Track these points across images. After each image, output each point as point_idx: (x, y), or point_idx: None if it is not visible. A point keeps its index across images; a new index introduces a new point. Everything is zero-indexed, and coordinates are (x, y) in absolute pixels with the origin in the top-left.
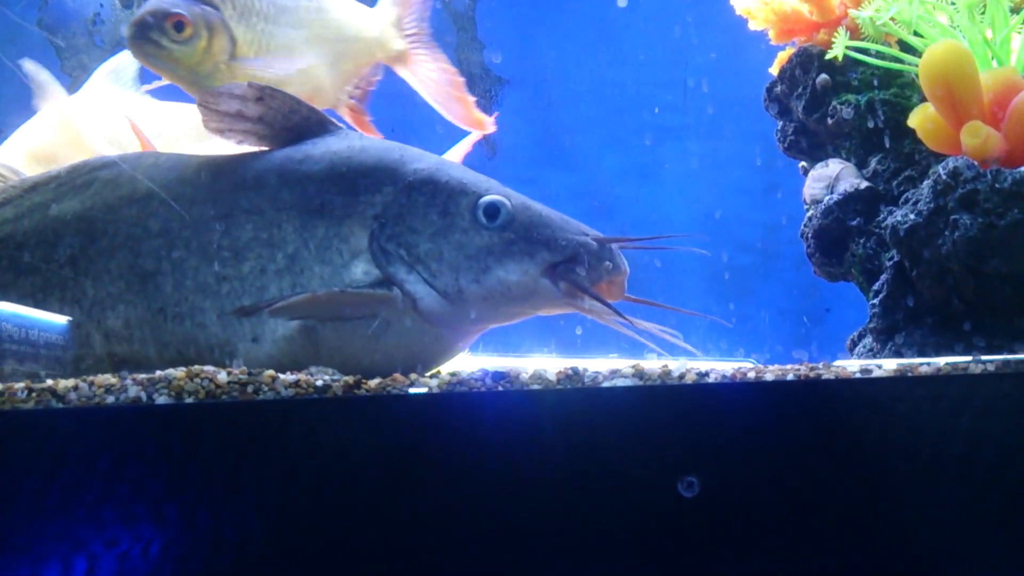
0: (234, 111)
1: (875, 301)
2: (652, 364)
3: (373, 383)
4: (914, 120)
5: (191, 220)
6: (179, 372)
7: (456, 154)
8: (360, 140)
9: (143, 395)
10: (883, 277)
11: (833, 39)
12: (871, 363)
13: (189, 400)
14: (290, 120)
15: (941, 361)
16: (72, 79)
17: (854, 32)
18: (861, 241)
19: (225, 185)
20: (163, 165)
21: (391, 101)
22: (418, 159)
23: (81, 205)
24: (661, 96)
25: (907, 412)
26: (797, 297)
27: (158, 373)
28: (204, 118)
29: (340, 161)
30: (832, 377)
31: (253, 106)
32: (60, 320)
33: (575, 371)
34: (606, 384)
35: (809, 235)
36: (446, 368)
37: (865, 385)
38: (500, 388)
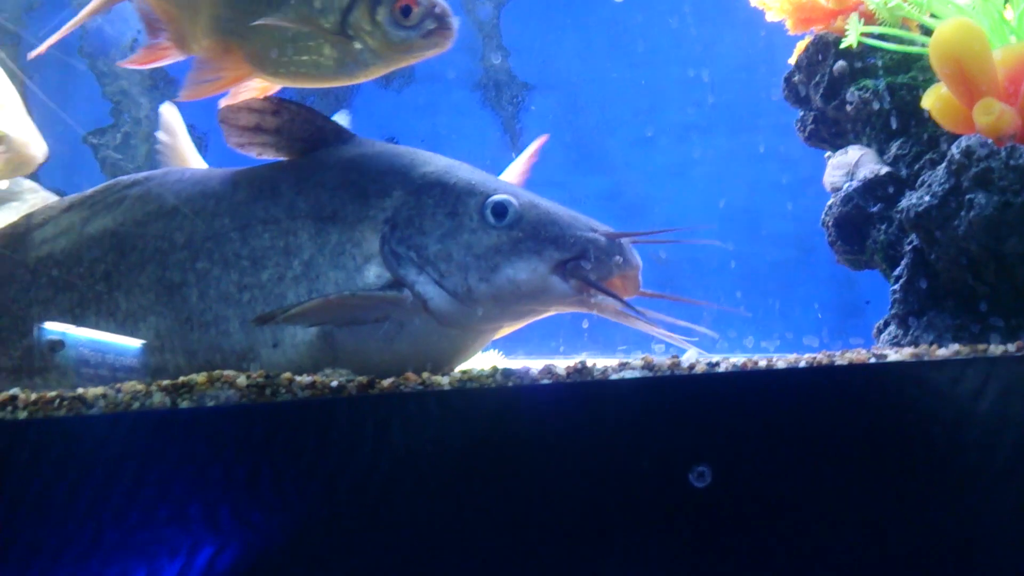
0: (252, 125)
1: (896, 287)
2: (660, 358)
3: (386, 382)
4: (927, 100)
5: (213, 232)
6: (200, 377)
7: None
8: (372, 147)
9: (167, 400)
10: (903, 262)
11: (847, 26)
12: (883, 351)
13: (211, 404)
14: (305, 130)
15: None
16: (114, 103)
17: (870, 18)
18: (882, 227)
19: (244, 197)
20: (187, 180)
21: (419, 113)
22: (427, 163)
23: (113, 222)
24: (688, 94)
25: (923, 396)
26: (835, 291)
27: (181, 379)
28: (225, 134)
29: (351, 168)
30: (845, 363)
31: (270, 119)
32: (134, 343)
33: (583, 365)
34: (615, 377)
35: (830, 223)
36: (459, 367)
37: (880, 370)
38: (510, 384)
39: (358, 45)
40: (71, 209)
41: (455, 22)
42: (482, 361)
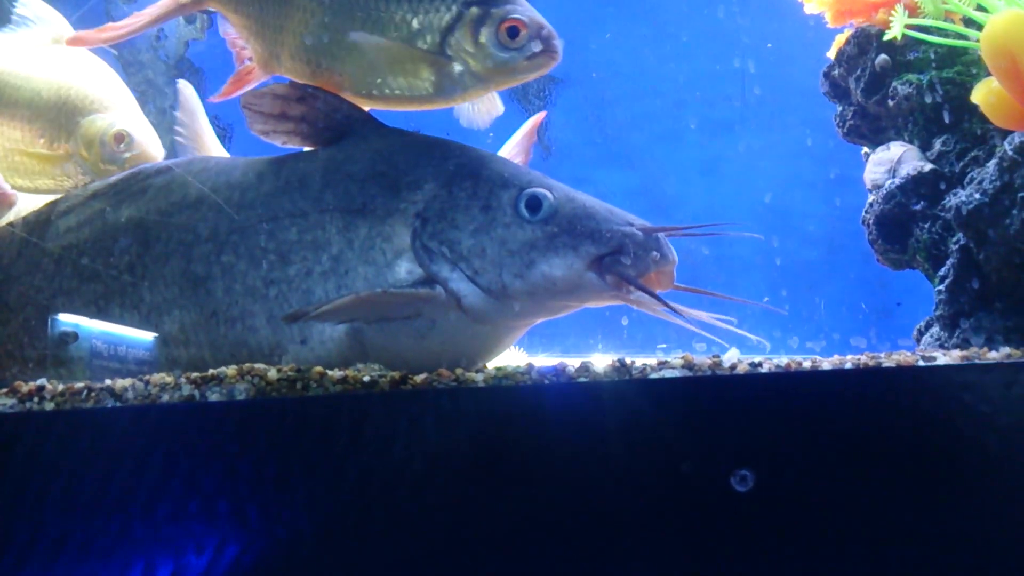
0: (277, 112)
1: (941, 287)
2: (701, 357)
3: (419, 378)
4: (977, 95)
5: (238, 224)
6: (230, 370)
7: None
8: (401, 137)
9: (196, 393)
10: (949, 262)
11: (892, 18)
12: (932, 353)
13: (240, 397)
14: (332, 119)
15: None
16: (139, 93)
17: (913, 10)
18: (925, 226)
19: (270, 188)
20: (212, 170)
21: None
22: (459, 154)
23: (137, 212)
24: (718, 88)
25: (973, 400)
26: (866, 291)
27: (211, 371)
28: (249, 120)
29: (381, 159)
30: (893, 365)
31: (296, 106)
32: (146, 336)
33: (622, 363)
34: (654, 376)
35: (870, 221)
36: (492, 363)
37: (928, 374)
38: (547, 382)
39: (458, 67)
40: (95, 197)
41: (560, 44)
42: (503, 358)
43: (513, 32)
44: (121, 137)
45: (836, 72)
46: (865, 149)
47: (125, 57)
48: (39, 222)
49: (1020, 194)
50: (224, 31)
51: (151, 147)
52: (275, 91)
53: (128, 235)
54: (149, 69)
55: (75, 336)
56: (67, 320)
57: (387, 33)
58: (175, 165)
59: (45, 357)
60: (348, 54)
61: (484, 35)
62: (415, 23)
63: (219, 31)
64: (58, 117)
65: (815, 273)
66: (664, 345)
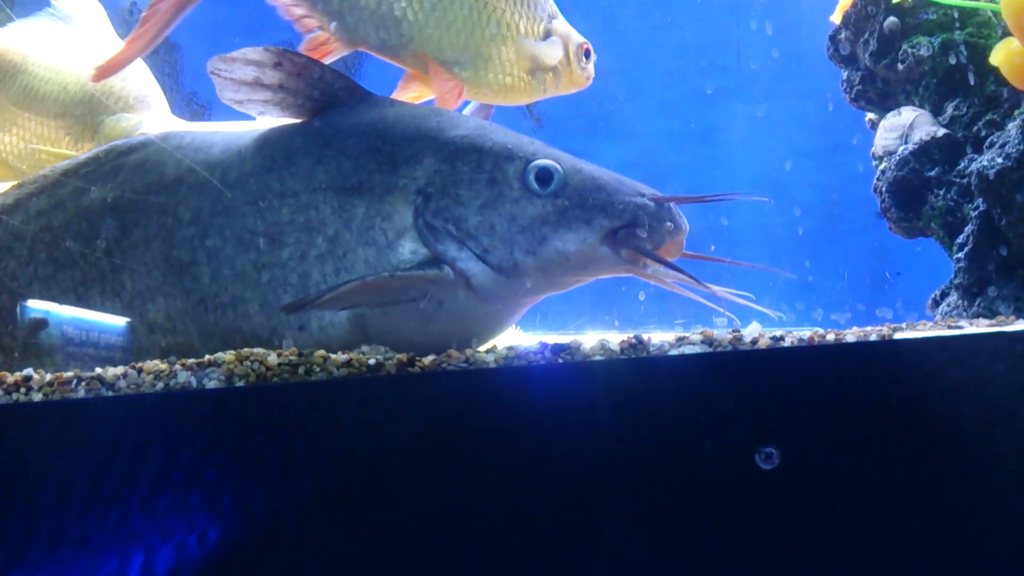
0: (251, 79)
1: (960, 255)
2: (722, 331)
3: (427, 360)
4: (997, 57)
5: (223, 206)
6: (228, 355)
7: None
8: (392, 107)
9: (192, 380)
10: (968, 229)
11: None
12: (956, 322)
13: (240, 384)
14: (315, 87)
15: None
16: None
17: None
18: (940, 192)
19: (254, 166)
20: (188, 147)
21: None
22: (456, 124)
23: (111, 193)
24: (713, 57)
25: (1003, 372)
26: (865, 261)
27: (207, 357)
28: (218, 88)
29: (374, 133)
30: (919, 337)
31: (271, 72)
32: (119, 321)
33: (639, 340)
34: (673, 352)
35: (883, 189)
36: (502, 342)
37: (956, 344)
38: (560, 361)
39: (550, 76)
40: (65, 177)
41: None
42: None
43: (588, 54)
44: None
45: (842, 36)
46: (869, 116)
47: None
48: (6, 205)
49: None
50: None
51: None
52: (247, 56)
53: (104, 218)
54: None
55: (45, 323)
56: (37, 307)
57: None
58: (147, 143)
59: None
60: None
61: (572, 55)
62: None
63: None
64: (84, 115)
65: (815, 242)
66: (682, 321)
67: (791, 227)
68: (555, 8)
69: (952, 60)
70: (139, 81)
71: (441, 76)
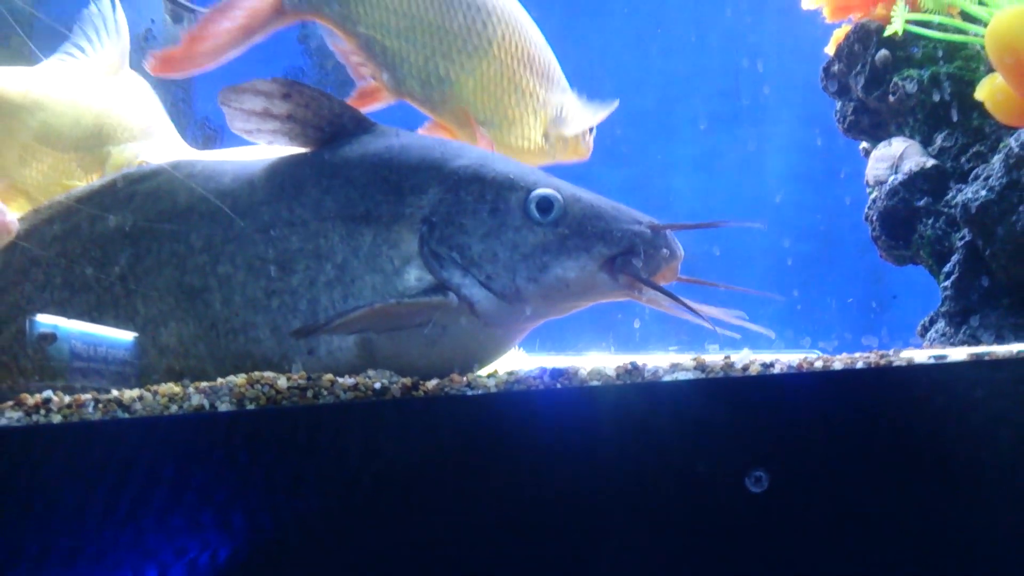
0: (260, 109)
1: (947, 283)
2: (714, 357)
3: (431, 384)
4: (982, 92)
5: (234, 234)
6: (240, 379)
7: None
8: (397, 138)
9: (206, 403)
10: (954, 258)
11: (892, 13)
12: (942, 350)
13: (251, 406)
14: (322, 117)
15: (1014, 348)
16: None
17: (913, 5)
18: (929, 222)
19: (264, 195)
20: (199, 176)
21: None
22: (460, 155)
23: (124, 221)
24: (712, 83)
25: (985, 398)
26: (862, 284)
27: (219, 381)
28: (229, 118)
29: (381, 163)
30: (904, 364)
31: (280, 103)
32: (126, 336)
33: (634, 366)
34: (667, 378)
35: (874, 217)
36: (503, 366)
37: (940, 371)
38: (559, 385)
39: (559, 144)
40: (79, 205)
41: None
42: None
43: (592, 130)
44: None
45: (836, 68)
46: (863, 145)
47: None
48: (23, 231)
49: None
50: (335, 44)
51: None
52: (257, 87)
53: (117, 245)
54: (137, 70)
55: (53, 337)
56: (45, 321)
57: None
58: (159, 171)
59: (36, 365)
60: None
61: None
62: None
63: (327, 43)
64: (94, 146)
65: (812, 266)
66: (675, 348)
67: (789, 251)
68: (567, 84)
69: (936, 97)
70: (144, 111)
71: (480, 131)
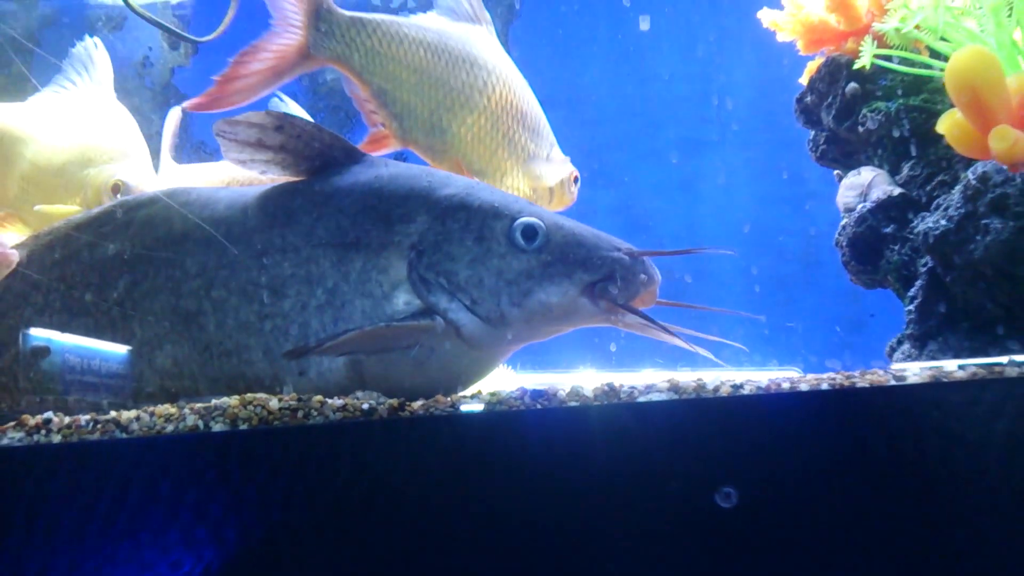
0: (254, 140)
1: (911, 307)
2: (687, 377)
3: (417, 405)
4: (942, 126)
5: (228, 260)
6: (233, 400)
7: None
8: (386, 168)
9: (200, 423)
10: (918, 283)
11: (861, 48)
12: (904, 367)
13: (243, 427)
14: (312, 148)
15: (973, 362)
16: None
17: (882, 40)
18: (896, 248)
19: (257, 223)
20: (194, 203)
21: None
22: (446, 184)
23: (122, 247)
24: (695, 110)
25: (944, 417)
26: (840, 304)
27: (213, 401)
28: (224, 148)
29: (371, 192)
30: (867, 385)
31: (273, 135)
32: (120, 350)
33: (611, 387)
34: (642, 399)
35: (844, 243)
36: (486, 387)
37: (901, 392)
38: (539, 406)
39: (546, 193)
40: (78, 231)
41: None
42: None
43: (577, 180)
44: (118, 187)
45: (808, 99)
46: (837, 172)
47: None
48: (24, 256)
49: (983, 221)
50: (351, 91)
51: None
52: (250, 119)
53: (115, 270)
54: (135, 96)
55: (47, 351)
56: (39, 335)
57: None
58: (155, 199)
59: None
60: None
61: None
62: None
63: (346, 90)
64: (75, 170)
65: (791, 287)
66: (655, 365)
67: (770, 272)
68: (554, 138)
69: (896, 133)
70: (121, 135)
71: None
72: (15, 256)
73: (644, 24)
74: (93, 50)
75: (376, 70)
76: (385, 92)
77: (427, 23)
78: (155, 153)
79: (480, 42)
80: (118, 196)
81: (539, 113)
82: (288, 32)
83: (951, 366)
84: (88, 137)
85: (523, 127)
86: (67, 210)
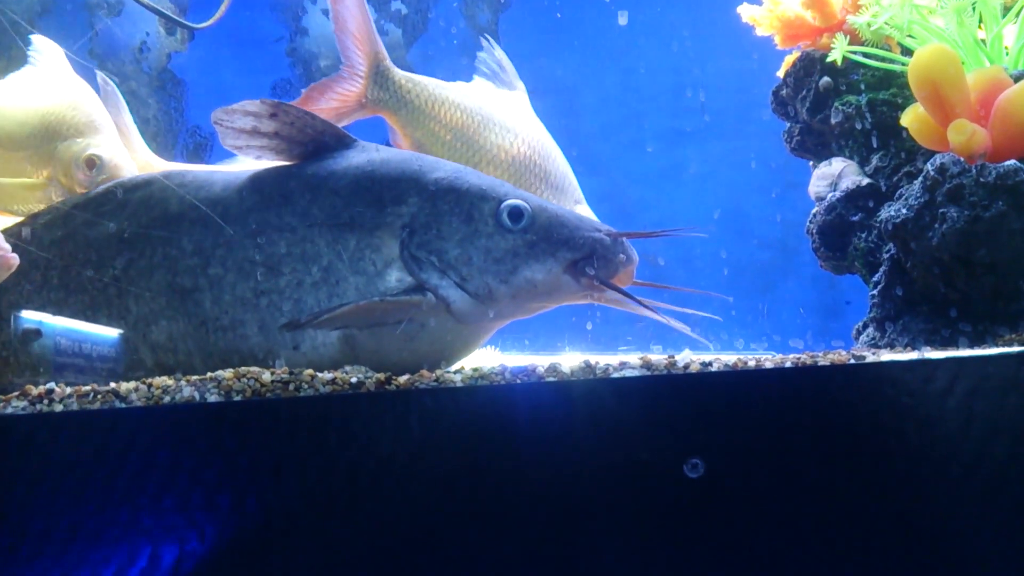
0: (249, 128)
1: (874, 292)
2: (658, 356)
3: (402, 379)
4: (905, 119)
5: (225, 239)
6: (227, 373)
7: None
8: (377, 152)
9: (196, 394)
10: (881, 269)
11: (832, 43)
12: (863, 352)
13: (237, 398)
14: (305, 134)
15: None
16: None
17: (855, 36)
18: (863, 235)
19: (253, 203)
20: (190, 185)
21: None
22: (436, 168)
23: (119, 226)
24: (678, 101)
25: (898, 394)
26: (818, 291)
27: (209, 375)
28: (220, 136)
29: (363, 175)
30: (828, 363)
31: (267, 122)
32: (111, 333)
33: (587, 364)
34: (616, 375)
35: (814, 231)
36: (469, 363)
37: (859, 371)
38: (519, 381)
39: None
40: (75, 211)
41: None
42: (480, 356)
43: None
44: (92, 161)
45: (784, 92)
46: (812, 163)
47: (108, 69)
48: (22, 235)
49: (940, 210)
50: (394, 141)
51: (123, 170)
52: (246, 107)
53: (112, 249)
54: (132, 80)
55: (38, 333)
56: (30, 317)
57: None
58: (151, 180)
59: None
60: None
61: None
62: None
63: (390, 140)
64: (40, 144)
65: (771, 274)
66: (626, 346)
67: (750, 258)
68: (581, 194)
69: (859, 126)
70: (88, 108)
71: None
72: (15, 259)
73: (623, 19)
74: (41, 41)
75: (418, 125)
76: (423, 147)
77: (467, 88)
78: (151, 137)
79: (512, 106)
80: (93, 171)
81: (565, 171)
82: (353, 80)
83: (906, 348)
84: (49, 110)
85: (545, 184)
86: (28, 182)
